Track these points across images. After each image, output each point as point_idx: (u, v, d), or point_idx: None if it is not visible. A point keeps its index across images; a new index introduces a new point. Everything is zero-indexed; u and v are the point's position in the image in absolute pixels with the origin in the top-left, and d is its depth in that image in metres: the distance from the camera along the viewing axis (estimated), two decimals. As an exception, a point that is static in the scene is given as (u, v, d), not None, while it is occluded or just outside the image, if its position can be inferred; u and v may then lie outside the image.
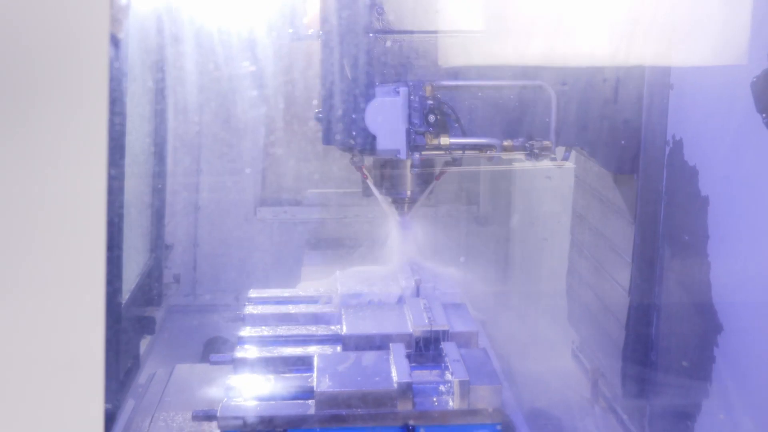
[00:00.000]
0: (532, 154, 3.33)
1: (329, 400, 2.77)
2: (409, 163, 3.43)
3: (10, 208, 1.48)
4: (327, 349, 3.19)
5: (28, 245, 1.49)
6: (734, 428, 2.76)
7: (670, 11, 3.08)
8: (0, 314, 1.48)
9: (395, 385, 2.79)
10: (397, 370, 2.87)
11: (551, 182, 4.77)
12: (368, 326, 3.27)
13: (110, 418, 3.41)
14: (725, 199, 2.81)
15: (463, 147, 3.33)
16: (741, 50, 2.70)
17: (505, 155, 3.36)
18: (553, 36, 3.23)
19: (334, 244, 5.60)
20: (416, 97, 3.26)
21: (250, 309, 3.54)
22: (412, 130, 3.27)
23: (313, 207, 5.91)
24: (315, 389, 2.80)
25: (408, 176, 3.61)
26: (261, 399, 2.86)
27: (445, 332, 3.18)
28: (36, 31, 1.46)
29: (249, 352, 3.16)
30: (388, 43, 3.26)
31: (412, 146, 3.28)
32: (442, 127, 3.30)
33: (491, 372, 2.90)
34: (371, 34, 3.26)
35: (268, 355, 3.14)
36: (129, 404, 3.70)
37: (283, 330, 3.34)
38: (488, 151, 3.33)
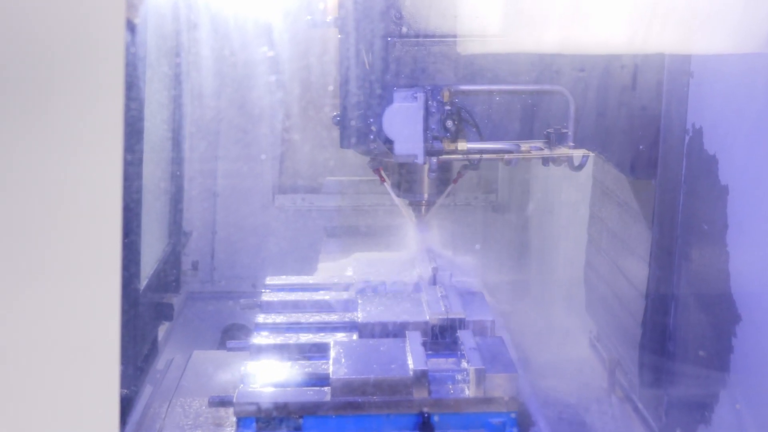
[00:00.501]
0: (550, 159, 3.34)
1: (345, 387, 2.78)
2: (426, 167, 3.43)
3: (28, 195, 1.48)
4: (343, 337, 3.20)
5: (45, 231, 1.49)
6: (752, 419, 2.74)
7: (690, -2, 3.05)
8: (18, 300, 1.49)
9: (411, 373, 2.79)
10: (413, 358, 2.87)
11: (569, 170, 4.74)
12: (384, 314, 3.27)
13: (128, 403, 3.43)
14: (745, 189, 2.78)
15: (481, 152, 3.34)
16: (762, 37, 2.67)
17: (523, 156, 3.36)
18: (572, 24, 3.21)
19: (352, 231, 5.60)
20: (434, 102, 3.26)
21: (267, 296, 3.55)
22: (429, 135, 3.27)
23: (331, 195, 5.90)
24: (331, 376, 2.80)
25: (425, 179, 3.61)
26: (277, 385, 2.87)
27: (461, 320, 3.18)
28: (53, 17, 1.46)
29: (265, 338, 3.17)
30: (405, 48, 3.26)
31: (430, 151, 3.29)
32: (460, 132, 3.30)
33: (507, 360, 2.89)
34: (389, 38, 3.26)
35: (285, 342, 3.15)
36: (147, 390, 3.72)
37: (299, 317, 3.34)
38: (506, 156, 3.34)
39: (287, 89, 5.49)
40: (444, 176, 3.63)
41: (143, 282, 3.93)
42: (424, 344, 3.01)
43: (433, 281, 3.59)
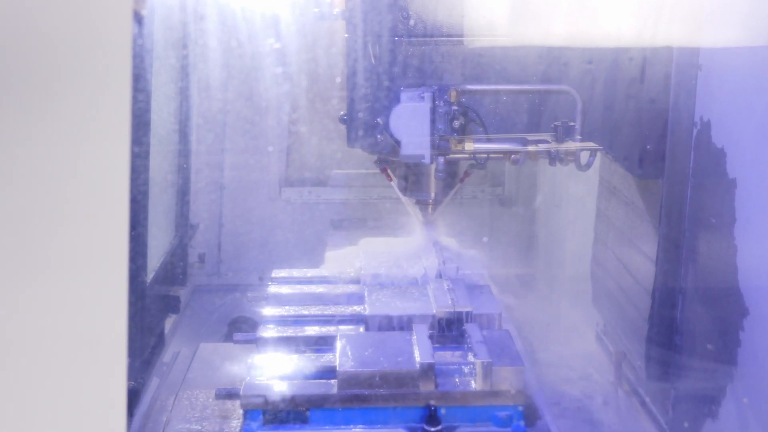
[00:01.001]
0: (557, 158, 3.34)
1: (351, 380, 2.78)
2: (433, 167, 3.43)
3: (35, 188, 1.48)
4: (350, 329, 3.20)
5: (52, 224, 1.49)
6: (759, 412, 2.73)
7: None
8: (26, 293, 1.49)
9: (417, 366, 2.79)
10: (419, 351, 2.87)
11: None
12: (391, 307, 3.27)
13: (135, 396, 3.44)
14: (753, 182, 2.77)
15: (488, 152, 3.34)
16: (772, 30, 2.66)
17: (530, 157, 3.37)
18: (579, 16, 3.20)
19: (358, 224, 5.60)
20: (441, 101, 3.26)
21: (273, 289, 3.55)
22: (436, 135, 3.27)
23: (338, 187, 5.90)
24: (337, 369, 2.80)
25: (432, 179, 3.61)
26: (283, 378, 2.87)
27: (468, 313, 3.17)
28: (60, 9, 1.46)
29: (272, 331, 3.17)
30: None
31: (437, 151, 3.29)
32: (467, 132, 3.30)
33: (514, 353, 2.89)
34: (396, 38, 3.25)
35: (291, 334, 3.15)
36: (154, 382, 3.73)
37: (306, 310, 3.34)
38: (512, 155, 3.34)
39: (294, 82, 5.49)
40: (451, 175, 3.63)
41: (150, 275, 3.93)
42: (430, 337, 3.01)
43: (440, 274, 3.58)
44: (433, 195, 3.66)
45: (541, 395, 3.06)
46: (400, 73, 3.30)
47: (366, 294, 3.40)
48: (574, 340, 4.39)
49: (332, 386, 2.80)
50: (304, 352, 3.06)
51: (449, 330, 3.16)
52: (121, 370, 1.53)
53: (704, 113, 3.09)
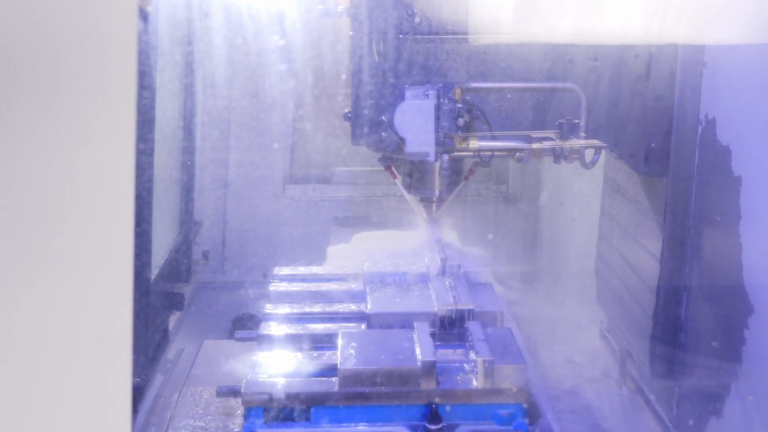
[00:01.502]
0: (561, 156, 3.33)
1: (353, 378, 2.77)
2: (437, 164, 3.43)
3: (40, 184, 1.48)
4: (352, 327, 3.19)
5: (57, 221, 1.50)
6: (764, 410, 2.73)
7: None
8: (31, 289, 1.49)
9: (419, 364, 2.78)
10: (421, 349, 2.86)
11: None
12: (393, 304, 3.27)
13: (139, 392, 3.44)
14: (758, 180, 2.77)
15: (492, 150, 3.34)
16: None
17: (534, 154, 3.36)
18: (584, 13, 3.19)
19: (362, 222, 5.60)
20: (445, 99, 3.25)
21: (275, 286, 3.55)
22: (441, 132, 3.27)
23: (342, 185, 5.90)
24: (339, 366, 2.80)
25: (436, 176, 3.60)
26: (285, 375, 2.87)
27: (470, 311, 3.17)
28: (65, 5, 1.46)
29: (274, 329, 3.17)
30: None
31: (441, 149, 3.28)
32: (471, 129, 3.30)
33: (516, 351, 2.88)
34: (401, 35, 3.25)
35: (293, 332, 3.15)
36: (157, 379, 3.74)
37: (308, 307, 3.34)
38: (517, 153, 3.34)
39: (299, 79, 5.49)
40: (455, 173, 3.62)
41: (154, 271, 3.93)
42: (432, 335, 3.00)
43: (442, 272, 3.58)
44: (437, 192, 3.65)
45: (543, 393, 3.06)
46: (405, 71, 3.30)
47: (368, 291, 3.39)
48: (578, 338, 4.38)
49: (334, 384, 2.79)
50: (306, 349, 3.06)
51: (451, 328, 3.16)
52: (125, 367, 1.53)
53: (709, 111, 3.08)
